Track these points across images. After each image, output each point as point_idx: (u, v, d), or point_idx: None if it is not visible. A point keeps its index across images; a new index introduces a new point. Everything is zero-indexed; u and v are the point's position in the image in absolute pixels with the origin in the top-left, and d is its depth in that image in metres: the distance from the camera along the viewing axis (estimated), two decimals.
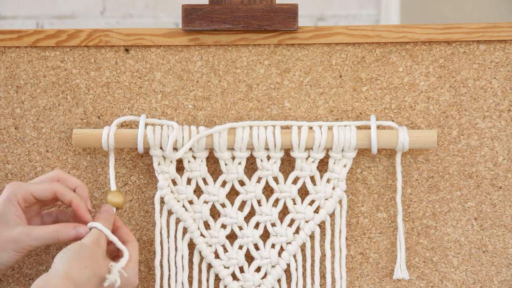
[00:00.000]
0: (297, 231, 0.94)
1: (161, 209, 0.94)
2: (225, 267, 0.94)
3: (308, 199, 0.93)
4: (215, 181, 0.94)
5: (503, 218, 0.95)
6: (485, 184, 0.95)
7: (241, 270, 0.94)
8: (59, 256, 0.81)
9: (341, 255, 0.94)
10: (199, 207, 0.93)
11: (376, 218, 0.96)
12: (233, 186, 0.94)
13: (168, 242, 0.94)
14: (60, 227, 0.86)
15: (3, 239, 0.85)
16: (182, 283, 0.94)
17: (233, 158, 0.93)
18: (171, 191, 0.93)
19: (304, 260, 0.95)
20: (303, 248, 0.95)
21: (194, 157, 0.93)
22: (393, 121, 0.95)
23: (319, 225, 0.95)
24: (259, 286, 0.94)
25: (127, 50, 0.96)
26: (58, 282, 0.79)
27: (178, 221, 0.94)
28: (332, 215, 0.95)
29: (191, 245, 0.95)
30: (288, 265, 0.94)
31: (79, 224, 0.87)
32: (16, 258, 0.85)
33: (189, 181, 0.94)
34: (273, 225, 0.94)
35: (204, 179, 0.94)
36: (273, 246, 0.94)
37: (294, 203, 0.94)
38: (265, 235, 0.95)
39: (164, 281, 0.94)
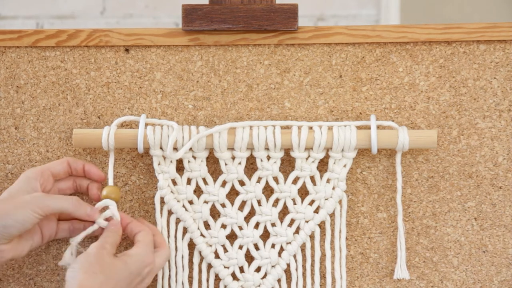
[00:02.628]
0: (297, 231, 0.94)
1: (161, 209, 0.94)
2: (225, 267, 0.94)
3: (308, 199, 0.93)
4: (215, 181, 0.94)
5: (503, 218, 0.95)
6: (485, 184, 0.95)
7: (241, 270, 0.95)
8: (68, 271, 0.83)
9: (341, 255, 0.94)
10: (199, 207, 0.93)
11: (376, 218, 0.96)
12: (233, 186, 0.94)
13: (168, 242, 0.94)
14: (80, 200, 0.89)
15: (21, 200, 0.87)
16: (182, 283, 0.94)
17: (233, 158, 0.93)
18: (171, 191, 0.93)
19: (304, 260, 0.95)
20: (303, 248, 0.95)
21: (194, 157, 0.93)
22: (393, 121, 0.95)
23: (319, 225, 0.95)
24: (259, 286, 0.94)
25: (127, 50, 0.96)
26: None
27: (178, 221, 0.94)
28: (332, 215, 0.95)
29: (191, 245, 0.95)
30: (288, 265, 0.94)
31: (93, 207, 0.90)
32: (33, 220, 0.86)
33: (189, 181, 0.94)
34: (273, 225, 0.94)
35: (204, 179, 0.94)
36: (273, 246, 0.94)
37: (294, 203, 0.94)
38: (265, 235, 0.95)
39: (164, 281, 0.94)
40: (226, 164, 0.93)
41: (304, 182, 0.93)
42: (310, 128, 0.93)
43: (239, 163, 0.93)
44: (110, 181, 0.93)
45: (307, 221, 0.94)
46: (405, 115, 0.95)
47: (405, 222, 0.96)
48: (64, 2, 2.01)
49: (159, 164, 0.93)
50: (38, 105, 0.97)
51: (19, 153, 0.97)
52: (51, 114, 0.97)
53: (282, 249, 0.94)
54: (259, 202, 0.94)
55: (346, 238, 0.95)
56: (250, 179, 0.94)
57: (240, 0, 0.94)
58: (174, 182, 0.94)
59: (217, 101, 0.96)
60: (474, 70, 0.94)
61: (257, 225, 0.94)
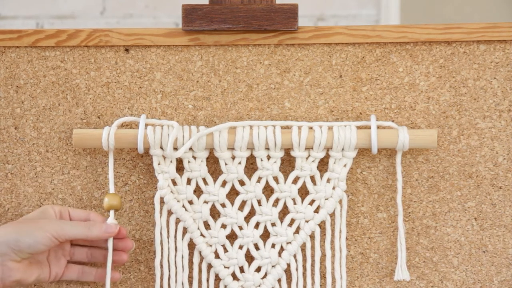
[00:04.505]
0: (297, 231, 0.94)
1: (161, 209, 0.94)
2: (225, 267, 0.94)
3: (308, 199, 0.93)
4: (215, 181, 0.94)
5: (503, 218, 0.95)
6: (485, 184, 0.95)
7: (241, 270, 0.94)
8: None
9: (341, 255, 0.94)
10: (199, 207, 0.93)
11: (376, 218, 0.96)
12: (233, 186, 0.94)
13: (168, 242, 0.94)
14: (92, 222, 0.91)
15: (38, 221, 0.88)
16: (182, 283, 0.94)
17: (233, 157, 0.93)
18: (171, 191, 0.93)
19: (304, 260, 0.95)
20: (303, 248, 0.95)
21: (194, 157, 0.93)
22: (393, 121, 0.95)
23: (319, 225, 0.95)
24: (259, 286, 0.94)
25: (127, 50, 0.96)
26: None
27: (178, 221, 0.94)
28: (332, 215, 0.95)
29: (191, 245, 0.95)
30: (288, 265, 0.94)
31: (108, 224, 0.91)
32: (47, 242, 0.86)
33: (189, 181, 0.94)
34: (273, 225, 0.94)
35: (204, 179, 0.94)
36: (273, 246, 0.94)
37: (294, 203, 0.94)
38: (265, 235, 0.95)
39: (164, 281, 0.94)
40: (226, 164, 0.93)
41: (304, 182, 0.93)
42: (310, 128, 0.93)
43: (239, 163, 0.93)
44: (111, 182, 0.93)
45: (307, 221, 0.93)
46: (405, 115, 0.95)
47: (405, 222, 0.96)
48: (64, 2, 2.01)
49: (159, 164, 0.93)
50: (38, 105, 0.96)
51: (19, 153, 0.97)
52: (51, 114, 0.96)
53: (282, 249, 0.94)
54: (259, 202, 0.94)
55: (346, 238, 0.95)
56: (250, 179, 0.94)
57: (240, 0, 0.94)
58: (174, 182, 0.94)
59: (217, 101, 0.96)
60: (474, 70, 0.94)
61: (257, 225, 0.94)
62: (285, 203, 0.94)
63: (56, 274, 0.92)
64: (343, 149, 0.92)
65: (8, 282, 0.87)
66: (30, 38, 0.95)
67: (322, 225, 0.95)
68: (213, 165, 0.95)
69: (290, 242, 0.94)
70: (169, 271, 0.94)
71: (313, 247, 0.95)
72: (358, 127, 0.94)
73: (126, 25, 2.00)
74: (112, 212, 0.92)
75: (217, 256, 0.94)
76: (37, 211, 0.91)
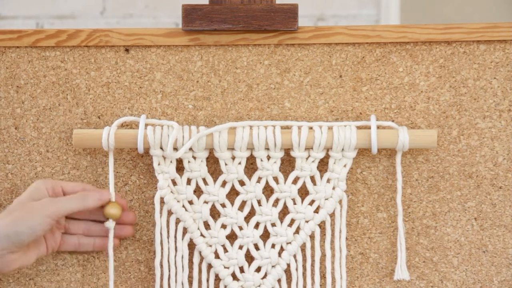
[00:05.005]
0: (297, 231, 0.94)
1: (161, 209, 0.94)
2: (225, 267, 0.94)
3: (308, 199, 0.93)
4: (215, 181, 0.94)
5: (503, 218, 0.95)
6: (485, 184, 0.95)
7: (241, 270, 0.95)
8: None
9: (341, 255, 0.94)
10: (199, 207, 0.93)
11: (376, 218, 0.96)
12: (233, 186, 0.94)
13: (168, 242, 0.94)
14: (85, 192, 0.91)
15: (31, 206, 0.88)
16: (182, 283, 0.94)
17: (233, 158, 0.93)
18: (171, 191, 0.93)
19: (304, 260, 0.95)
20: (303, 248, 0.95)
21: (194, 157, 0.93)
22: (393, 121, 0.95)
23: (319, 225, 0.95)
24: (259, 286, 0.94)
25: (127, 50, 0.96)
26: None
27: (178, 221, 0.94)
28: (332, 215, 0.95)
29: (191, 245, 0.95)
30: (288, 265, 0.94)
31: (102, 190, 0.92)
32: (45, 226, 0.87)
33: (189, 181, 0.94)
34: (273, 225, 0.94)
35: (204, 179, 0.94)
36: (273, 246, 0.94)
37: (294, 203, 0.94)
38: (265, 235, 0.95)
39: (164, 281, 0.94)
40: (226, 164, 0.93)
41: (304, 182, 0.93)
42: (310, 128, 0.93)
43: (239, 163, 0.93)
44: (111, 182, 0.93)
45: (307, 221, 0.94)
46: (405, 115, 0.95)
47: (405, 222, 0.96)
48: (64, 2, 2.01)
49: (159, 164, 0.93)
50: (38, 105, 0.97)
51: (19, 153, 0.97)
52: (51, 114, 0.97)
53: (282, 249, 0.94)
54: (259, 202, 0.94)
55: (346, 238, 0.95)
56: (250, 179, 0.94)
57: (240, 0, 0.94)
58: (174, 182, 0.94)
59: (217, 101, 0.96)
60: (474, 70, 0.94)
61: (257, 225, 0.94)
62: (285, 203, 0.94)
63: (53, 248, 0.93)
64: (343, 149, 0.92)
65: (7, 271, 0.88)
66: (30, 38, 0.96)
67: (322, 225, 0.95)
68: (213, 165, 0.95)
69: (290, 242, 0.94)
70: (169, 271, 0.94)
71: (313, 247, 0.95)
72: (358, 127, 0.94)
73: (126, 25, 2.00)
74: (111, 221, 0.93)
75: (217, 256, 0.94)
76: (29, 190, 0.90)
